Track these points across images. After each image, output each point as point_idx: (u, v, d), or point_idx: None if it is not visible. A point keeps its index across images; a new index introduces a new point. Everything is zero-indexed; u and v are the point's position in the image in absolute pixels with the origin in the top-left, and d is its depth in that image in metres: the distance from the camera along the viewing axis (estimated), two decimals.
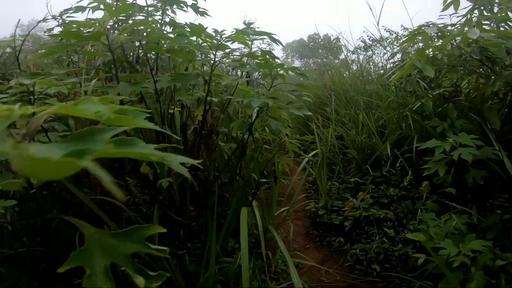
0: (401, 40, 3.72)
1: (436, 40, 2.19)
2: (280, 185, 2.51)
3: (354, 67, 5.28)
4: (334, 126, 3.35)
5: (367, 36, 4.37)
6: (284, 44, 20.34)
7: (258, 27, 1.41)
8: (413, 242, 1.80)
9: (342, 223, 2.30)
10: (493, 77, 1.74)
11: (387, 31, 3.95)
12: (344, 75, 4.67)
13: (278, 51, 20.89)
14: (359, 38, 4.49)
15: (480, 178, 1.67)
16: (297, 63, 18.98)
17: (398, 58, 3.82)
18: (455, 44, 1.94)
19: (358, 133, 2.87)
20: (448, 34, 1.72)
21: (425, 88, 2.48)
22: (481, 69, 1.93)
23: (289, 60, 20.09)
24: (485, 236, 1.51)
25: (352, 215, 2.30)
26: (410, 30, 4.19)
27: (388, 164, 2.54)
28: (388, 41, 3.93)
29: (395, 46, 3.89)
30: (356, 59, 4.71)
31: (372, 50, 4.39)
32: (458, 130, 1.89)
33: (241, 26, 1.46)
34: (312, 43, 15.79)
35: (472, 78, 2.06)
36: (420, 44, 2.80)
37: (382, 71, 3.96)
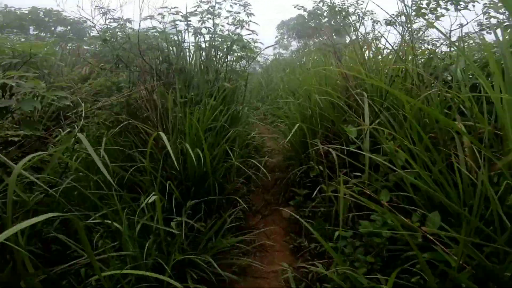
0: None
1: None
2: None
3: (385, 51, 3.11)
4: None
5: None
6: (279, 22, 17.50)
7: None
8: None
9: None
10: None
11: None
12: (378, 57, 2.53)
13: (272, 31, 18.05)
14: None
15: None
16: (294, 45, 16.31)
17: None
18: None
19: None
20: None
21: None
22: None
23: (285, 41, 17.27)
24: None
25: None
26: None
27: None
28: None
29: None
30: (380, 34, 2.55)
31: (436, 16, 2.24)
32: None
33: None
34: (313, 20, 13.17)
35: None
36: None
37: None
